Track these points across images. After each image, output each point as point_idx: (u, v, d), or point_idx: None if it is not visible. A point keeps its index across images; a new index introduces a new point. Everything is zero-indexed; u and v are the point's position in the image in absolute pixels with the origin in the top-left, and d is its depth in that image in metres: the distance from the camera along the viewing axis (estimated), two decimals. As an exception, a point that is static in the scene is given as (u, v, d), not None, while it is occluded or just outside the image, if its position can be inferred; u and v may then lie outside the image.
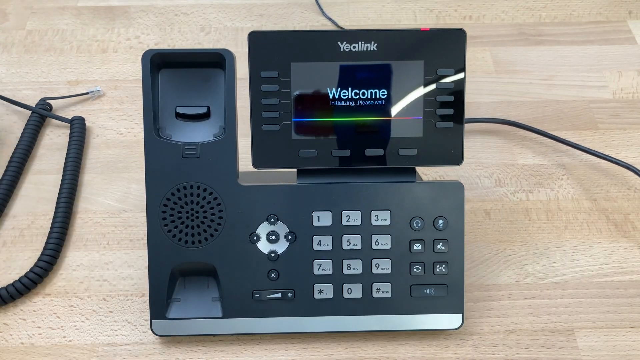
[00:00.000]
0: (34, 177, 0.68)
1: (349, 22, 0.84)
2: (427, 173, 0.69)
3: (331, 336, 0.58)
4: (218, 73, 0.55)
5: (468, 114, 0.73)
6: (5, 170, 0.66)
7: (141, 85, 0.54)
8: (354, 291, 0.56)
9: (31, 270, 0.59)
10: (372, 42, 0.53)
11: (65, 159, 0.68)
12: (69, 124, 0.71)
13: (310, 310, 0.56)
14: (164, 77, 0.55)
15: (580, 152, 0.70)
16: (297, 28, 0.83)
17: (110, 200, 0.66)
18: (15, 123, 0.73)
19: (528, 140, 0.72)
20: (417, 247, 0.55)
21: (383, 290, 0.56)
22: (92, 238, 0.63)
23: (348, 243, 0.55)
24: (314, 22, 0.84)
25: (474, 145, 0.72)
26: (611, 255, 0.63)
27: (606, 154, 0.68)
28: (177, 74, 0.55)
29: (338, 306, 0.56)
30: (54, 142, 0.71)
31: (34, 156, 0.70)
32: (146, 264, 0.58)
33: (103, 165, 0.69)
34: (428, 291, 0.56)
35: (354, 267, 0.55)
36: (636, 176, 0.66)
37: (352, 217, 0.55)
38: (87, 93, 0.74)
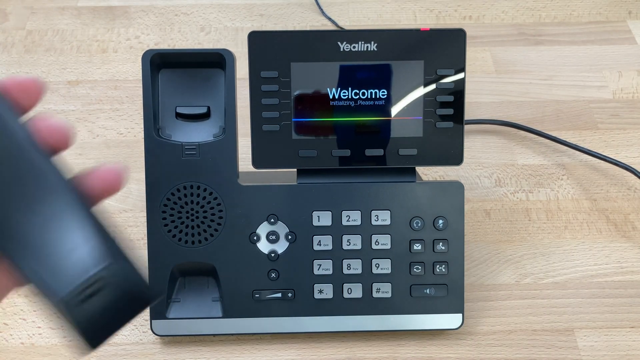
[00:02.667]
0: (34, 177, 0.68)
1: (349, 22, 0.84)
2: (427, 173, 0.69)
3: (331, 336, 0.58)
4: (218, 73, 0.55)
5: (468, 114, 0.73)
6: None
7: (141, 85, 0.54)
8: (354, 291, 0.56)
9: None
10: (372, 42, 0.53)
11: None
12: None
13: (310, 310, 0.56)
14: (164, 77, 0.55)
15: (580, 152, 0.70)
16: (297, 28, 0.83)
17: (110, 200, 0.66)
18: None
19: (528, 140, 0.72)
20: (417, 247, 0.55)
21: (383, 290, 0.56)
22: (92, 238, 0.63)
23: (348, 243, 0.55)
24: (314, 22, 0.84)
25: (474, 145, 0.72)
26: (611, 255, 0.63)
27: (606, 154, 0.68)
28: (177, 74, 0.55)
29: (338, 306, 0.56)
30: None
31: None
32: (146, 264, 0.58)
33: (103, 165, 0.69)
34: (428, 291, 0.56)
35: (354, 267, 0.55)
36: (635, 177, 0.66)
37: (352, 217, 0.55)
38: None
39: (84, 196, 0.30)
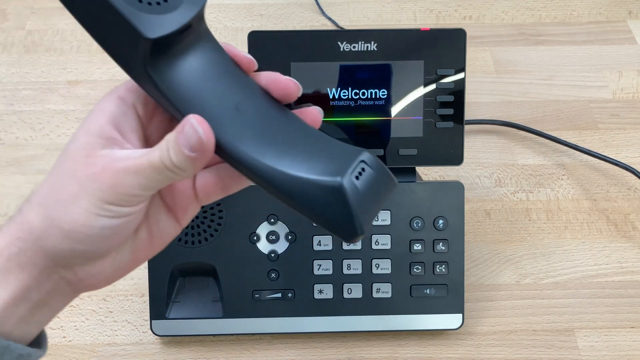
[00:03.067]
0: (33, 177, 0.68)
1: (349, 22, 0.84)
2: (427, 173, 0.69)
3: (331, 336, 0.58)
4: (218, 73, 0.55)
5: (468, 114, 0.73)
6: None
7: (141, 85, 0.54)
8: (354, 291, 0.56)
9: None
10: (372, 42, 0.53)
11: None
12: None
13: (310, 310, 0.55)
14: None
15: (580, 152, 0.70)
16: (297, 28, 0.83)
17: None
18: (15, 123, 0.73)
19: (528, 140, 0.72)
20: (417, 247, 0.55)
21: (383, 290, 0.56)
22: (92, 238, 0.63)
23: (348, 243, 0.55)
24: (314, 22, 0.84)
25: (474, 145, 0.72)
26: (611, 255, 0.63)
27: (606, 154, 0.68)
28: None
29: (338, 306, 0.56)
30: (53, 142, 0.71)
31: (34, 156, 0.70)
32: (146, 264, 0.58)
33: (103, 165, 0.69)
34: (428, 291, 0.56)
35: (354, 267, 0.55)
36: (636, 177, 0.66)
37: (352, 217, 0.55)
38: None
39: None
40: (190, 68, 0.33)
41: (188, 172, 0.32)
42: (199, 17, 0.33)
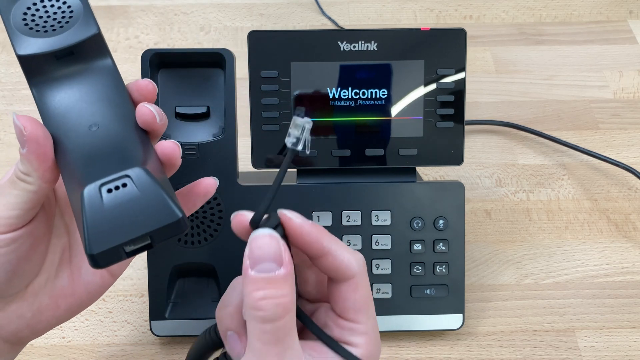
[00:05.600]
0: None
1: (349, 22, 0.84)
2: (428, 173, 0.69)
3: (331, 337, 0.57)
4: (218, 73, 0.55)
5: (468, 114, 0.73)
6: None
7: (141, 85, 0.53)
8: (354, 291, 0.55)
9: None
10: (372, 42, 0.53)
11: None
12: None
13: (310, 311, 0.55)
14: (163, 77, 0.54)
15: (580, 152, 0.70)
16: (297, 28, 0.83)
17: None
18: (15, 123, 0.72)
19: (529, 140, 0.72)
20: (418, 247, 0.55)
21: (383, 291, 0.55)
22: (91, 238, 0.63)
23: (348, 243, 0.55)
24: (314, 22, 0.84)
25: (474, 145, 0.72)
26: (612, 255, 0.63)
27: (607, 154, 0.68)
28: (176, 74, 0.54)
29: (338, 306, 0.55)
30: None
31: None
32: (146, 264, 0.58)
33: (102, 165, 0.69)
34: (428, 291, 0.56)
35: (354, 267, 0.55)
36: (636, 177, 0.66)
37: (352, 217, 0.55)
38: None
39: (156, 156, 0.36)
40: (68, 88, 0.36)
41: (32, 175, 0.34)
42: (86, 46, 0.36)
